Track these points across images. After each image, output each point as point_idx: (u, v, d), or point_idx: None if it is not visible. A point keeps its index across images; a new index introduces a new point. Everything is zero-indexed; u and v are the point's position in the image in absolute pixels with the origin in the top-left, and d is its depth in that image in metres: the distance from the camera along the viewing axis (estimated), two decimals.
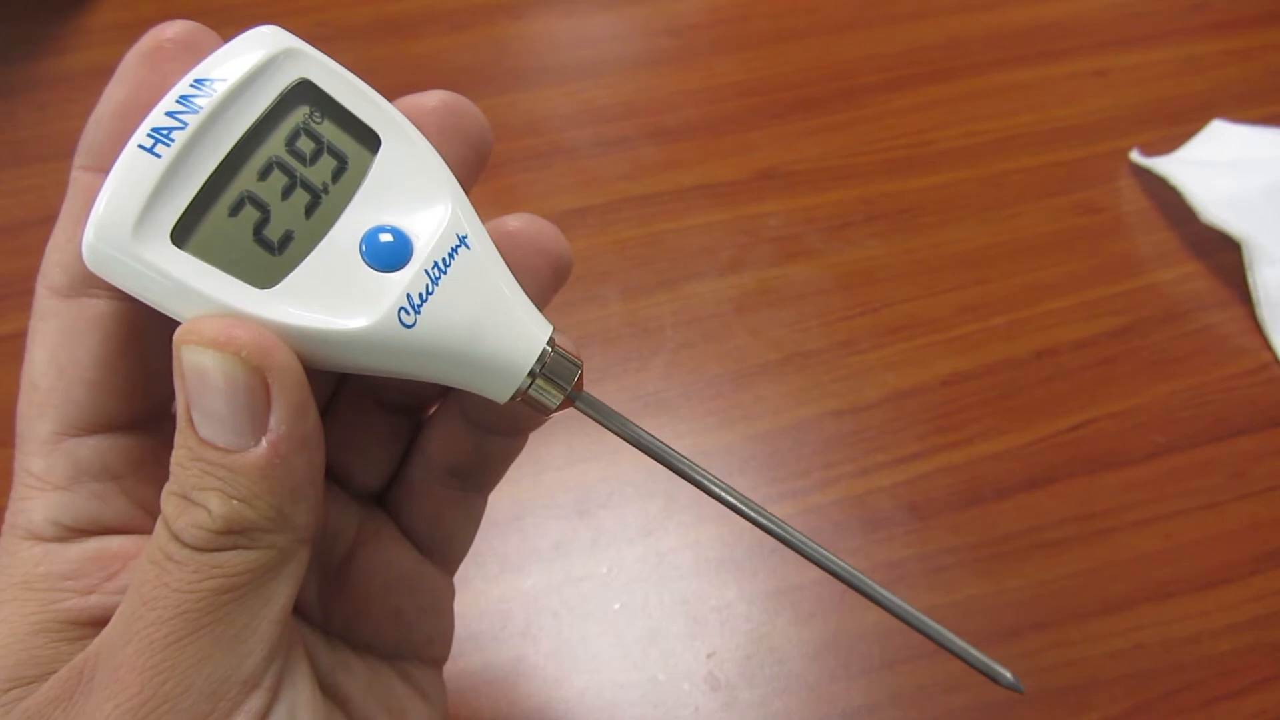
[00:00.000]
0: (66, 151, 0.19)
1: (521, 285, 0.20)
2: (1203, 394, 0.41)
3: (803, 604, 0.35)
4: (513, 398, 0.19)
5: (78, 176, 0.19)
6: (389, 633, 0.23)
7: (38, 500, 0.18)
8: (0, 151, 0.46)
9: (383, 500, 0.24)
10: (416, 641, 0.24)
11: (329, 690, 0.21)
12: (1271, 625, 0.35)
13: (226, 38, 0.20)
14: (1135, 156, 0.48)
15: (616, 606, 0.34)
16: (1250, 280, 0.43)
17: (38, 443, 0.18)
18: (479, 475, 0.24)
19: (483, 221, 0.20)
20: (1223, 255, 0.45)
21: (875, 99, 0.51)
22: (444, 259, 0.18)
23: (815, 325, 0.42)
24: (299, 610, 0.21)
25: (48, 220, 0.19)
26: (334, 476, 0.23)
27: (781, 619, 0.34)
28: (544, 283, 0.21)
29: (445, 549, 0.24)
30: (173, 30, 0.19)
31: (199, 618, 0.16)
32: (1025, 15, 0.56)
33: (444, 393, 0.23)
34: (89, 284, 0.18)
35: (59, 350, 0.18)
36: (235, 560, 0.17)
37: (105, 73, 0.19)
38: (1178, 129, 0.50)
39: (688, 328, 0.42)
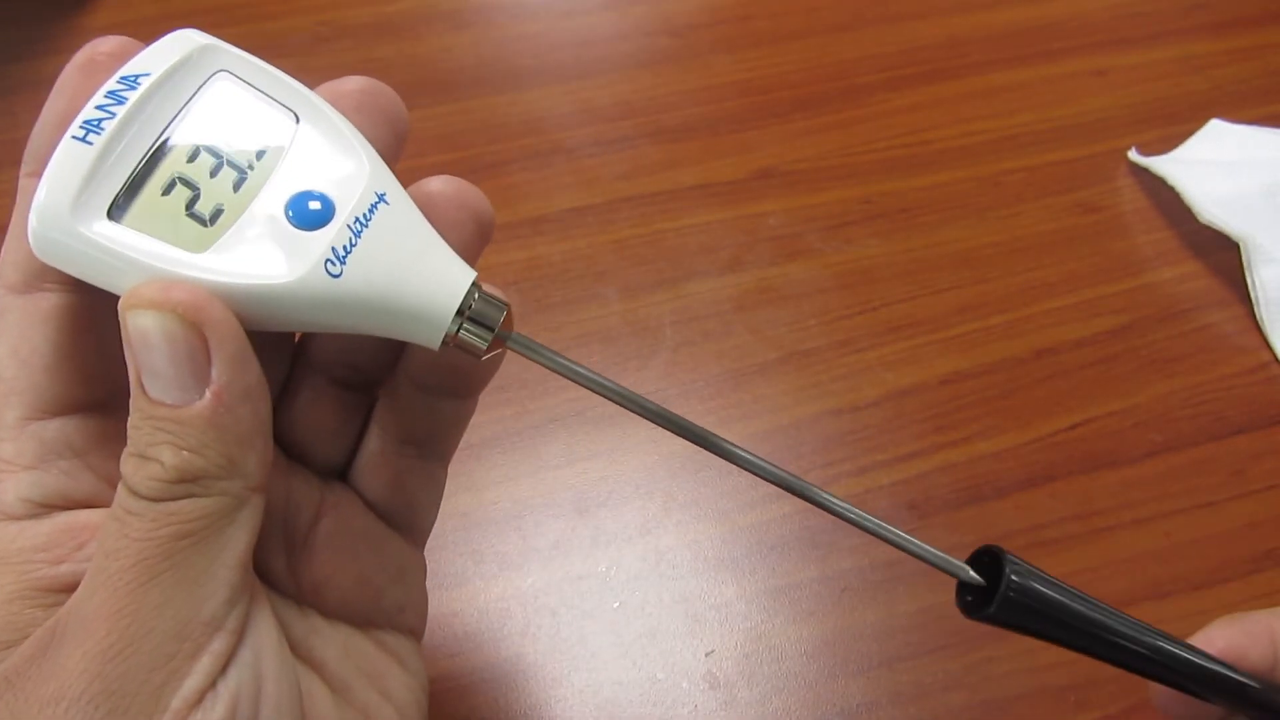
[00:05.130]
0: None
1: (449, 241, 0.21)
2: (1202, 393, 0.41)
3: (801, 602, 0.35)
4: (445, 343, 0.20)
5: (25, 183, 0.20)
6: (357, 599, 0.24)
7: (9, 482, 0.19)
8: (0, 151, 0.46)
9: (346, 477, 0.25)
10: (387, 609, 0.24)
11: (303, 656, 0.22)
12: None
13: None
14: (1134, 156, 0.48)
15: (615, 605, 0.34)
16: (1249, 279, 0.43)
17: (5, 429, 0.20)
18: (433, 442, 0.25)
19: (404, 186, 0.21)
20: (1222, 254, 0.45)
21: (874, 98, 0.51)
22: (364, 214, 0.20)
23: (814, 324, 0.42)
24: (269, 580, 0.22)
25: None
26: (295, 455, 0.24)
27: (780, 617, 0.34)
28: (469, 236, 0.22)
29: (409, 519, 0.25)
30: (106, 45, 0.20)
31: (159, 563, 0.18)
32: (1025, 15, 0.56)
33: (393, 366, 0.24)
34: (42, 279, 0.20)
35: (19, 342, 0.20)
36: (190, 507, 0.18)
37: None
38: (1176, 128, 0.50)
39: (687, 326, 0.42)
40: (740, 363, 0.41)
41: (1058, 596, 0.22)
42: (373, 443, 0.24)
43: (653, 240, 0.45)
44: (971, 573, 0.22)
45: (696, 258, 0.44)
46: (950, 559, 0.22)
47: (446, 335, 0.20)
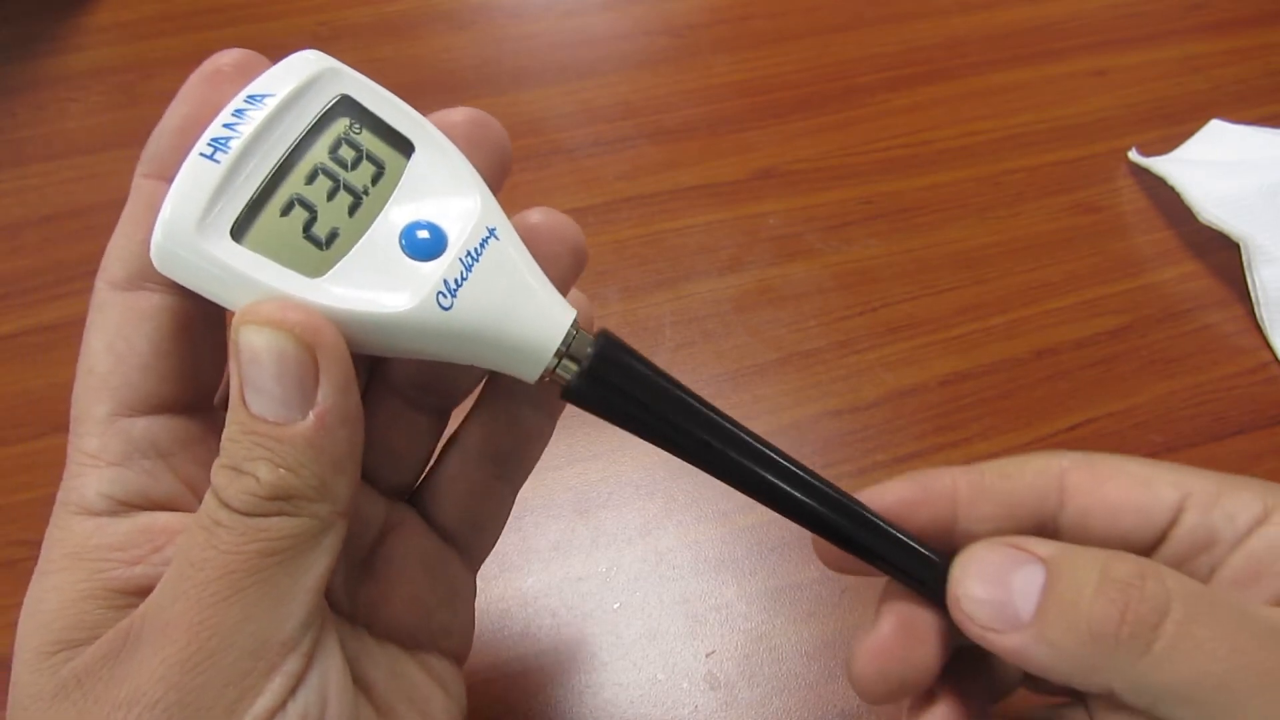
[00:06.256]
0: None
1: (547, 273, 0.21)
2: (1202, 393, 0.41)
3: (801, 603, 0.35)
4: (541, 377, 0.21)
5: (140, 184, 0.20)
6: (407, 620, 0.24)
7: (91, 476, 0.19)
8: (0, 151, 0.46)
9: (413, 499, 0.25)
10: (434, 631, 0.24)
11: (356, 677, 0.22)
12: None
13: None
14: (1134, 156, 0.48)
15: (616, 606, 0.34)
16: (1249, 279, 0.43)
17: (93, 423, 0.20)
18: (512, 459, 0.25)
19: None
20: (1222, 254, 0.45)
21: (874, 98, 0.51)
22: (476, 248, 0.20)
23: (814, 325, 0.42)
24: (327, 596, 0.22)
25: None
26: (363, 473, 0.23)
27: (780, 618, 0.34)
28: (565, 269, 0.23)
29: (471, 541, 0.25)
30: (230, 57, 0.20)
31: (244, 578, 0.18)
32: (1025, 15, 0.56)
33: (468, 392, 0.25)
34: (145, 278, 0.20)
35: (116, 338, 0.20)
36: (280, 526, 0.18)
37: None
38: (1176, 129, 0.50)
39: (687, 327, 0.42)
40: (740, 363, 0.41)
41: (662, 381, 0.21)
42: (452, 460, 0.25)
43: (653, 240, 0.45)
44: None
45: (696, 258, 0.44)
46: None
47: (544, 371, 0.21)
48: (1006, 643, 0.20)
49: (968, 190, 0.47)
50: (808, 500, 0.22)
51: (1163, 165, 0.47)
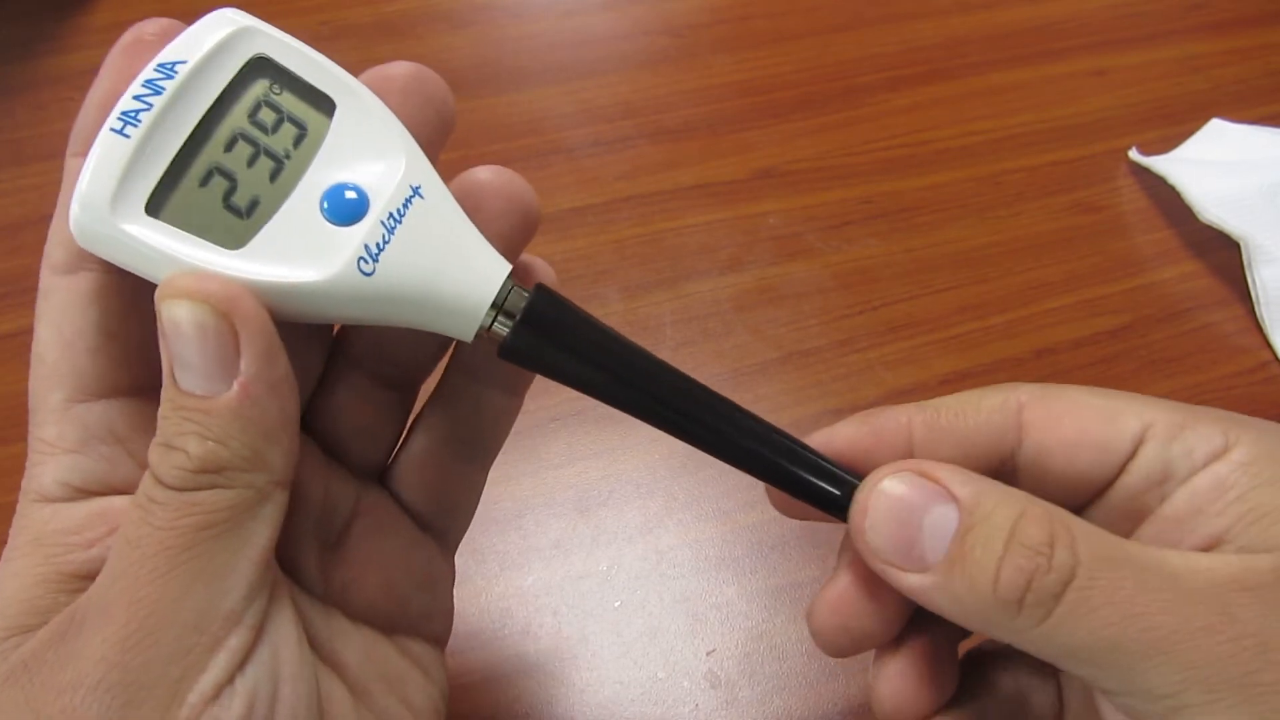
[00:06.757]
0: (65, 150, 0.19)
1: (494, 231, 0.21)
2: (1202, 393, 0.41)
3: (802, 601, 0.35)
4: (478, 335, 0.20)
5: (70, 164, 0.20)
6: (383, 605, 0.23)
7: (49, 464, 0.19)
8: (0, 151, 0.46)
9: (384, 480, 0.25)
10: (412, 616, 0.24)
11: (326, 656, 0.22)
12: None
13: None
14: (1134, 155, 0.48)
15: (616, 604, 0.34)
16: (1249, 279, 0.43)
17: (48, 411, 0.20)
18: (478, 441, 0.25)
19: (453, 175, 0.21)
20: (1222, 254, 0.45)
21: (874, 98, 0.51)
22: (398, 210, 0.20)
23: (814, 324, 0.42)
24: (299, 577, 0.22)
25: (47, 219, 0.20)
26: (334, 453, 0.23)
27: (781, 616, 0.34)
28: (514, 228, 0.22)
29: (444, 524, 0.25)
30: (152, 27, 0.20)
31: (179, 554, 0.17)
32: (1024, 15, 0.56)
33: (432, 364, 0.24)
34: (85, 260, 0.19)
35: (63, 323, 0.20)
36: (213, 499, 0.18)
37: None
38: (1176, 128, 0.50)
39: (687, 326, 0.42)
40: (740, 362, 0.41)
41: (601, 332, 0.21)
42: (417, 443, 0.24)
43: (653, 240, 0.45)
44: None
45: (696, 258, 0.44)
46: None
47: (480, 328, 0.20)
48: (908, 582, 0.19)
49: (967, 190, 0.47)
50: (757, 448, 0.21)
51: (1163, 165, 0.47)
